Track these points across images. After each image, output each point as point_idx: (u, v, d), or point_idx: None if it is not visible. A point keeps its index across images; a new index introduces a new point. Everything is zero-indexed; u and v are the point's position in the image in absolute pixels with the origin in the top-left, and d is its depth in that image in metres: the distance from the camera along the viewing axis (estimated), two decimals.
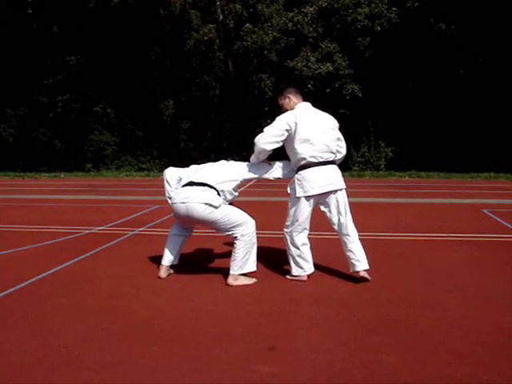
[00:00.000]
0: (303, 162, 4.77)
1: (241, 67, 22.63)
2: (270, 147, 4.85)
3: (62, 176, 20.49)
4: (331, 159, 4.86)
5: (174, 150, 22.90)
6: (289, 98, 5.02)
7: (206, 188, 4.71)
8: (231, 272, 4.73)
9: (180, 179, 5.08)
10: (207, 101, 23.08)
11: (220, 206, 4.64)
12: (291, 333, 3.57)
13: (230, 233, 4.74)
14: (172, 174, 5.20)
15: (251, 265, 4.78)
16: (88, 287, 4.72)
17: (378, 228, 7.66)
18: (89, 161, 23.95)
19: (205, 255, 5.98)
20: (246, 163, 5.08)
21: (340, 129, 5.08)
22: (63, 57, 24.10)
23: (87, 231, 7.58)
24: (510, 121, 18.40)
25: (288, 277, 4.96)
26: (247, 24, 21.34)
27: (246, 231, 4.70)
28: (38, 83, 24.28)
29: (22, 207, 10.84)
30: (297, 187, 4.78)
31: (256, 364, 3.07)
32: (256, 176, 5.07)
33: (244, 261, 4.71)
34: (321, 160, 4.77)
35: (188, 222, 4.95)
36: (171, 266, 5.10)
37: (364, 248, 4.84)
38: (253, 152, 5.02)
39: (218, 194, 4.75)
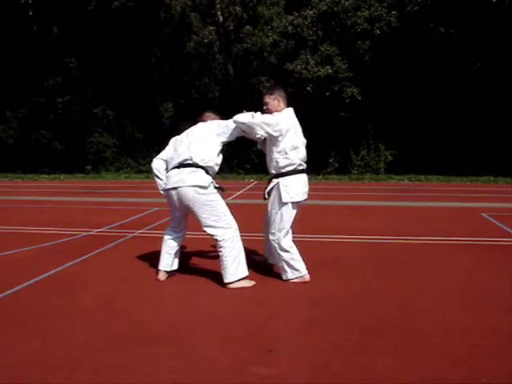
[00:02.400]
0: (291, 168, 4.80)
1: (240, 70, 22.65)
2: (260, 134, 4.76)
3: (62, 178, 20.50)
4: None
5: None
6: (278, 100, 4.96)
7: (194, 169, 4.68)
8: (225, 281, 4.70)
9: (166, 165, 5.03)
10: (207, 103, 23.09)
11: (210, 185, 4.65)
12: (289, 335, 3.58)
13: (212, 231, 4.69)
14: (158, 164, 5.11)
15: (244, 269, 4.75)
16: (86, 289, 4.73)
17: (376, 231, 7.66)
18: (88, 163, 23.96)
19: (203, 257, 5.98)
20: (226, 123, 4.88)
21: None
22: (63, 59, 24.13)
23: (86, 233, 7.58)
24: (509, 125, 18.42)
25: (291, 280, 4.94)
26: (247, 26, 21.38)
27: (227, 235, 4.67)
28: (37, 85, 24.30)
29: (20, 209, 10.85)
30: (283, 193, 4.76)
31: (254, 366, 3.07)
32: (236, 135, 4.93)
33: (235, 266, 4.68)
34: (303, 167, 4.88)
35: (180, 208, 4.84)
36: (171, 272, 5.09)
37: None
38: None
39: (207, 171, 4.73)
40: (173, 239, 5.08)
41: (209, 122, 5.04)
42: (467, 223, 8.55)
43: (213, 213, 4.67)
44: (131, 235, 7.47)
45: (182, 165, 4.74)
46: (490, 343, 3.40)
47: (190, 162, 4.71)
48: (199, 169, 4.69)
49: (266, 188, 4.94)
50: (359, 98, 19.64)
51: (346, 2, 19.67)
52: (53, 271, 5.33)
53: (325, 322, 3.83)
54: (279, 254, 4.88)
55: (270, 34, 20.87)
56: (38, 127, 24.83)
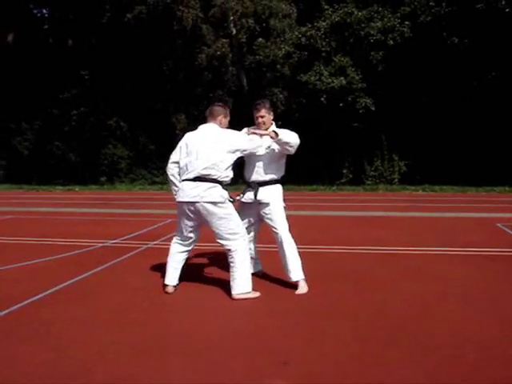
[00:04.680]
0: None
1: (254, 81, 22.71)
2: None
3: (77, 189, 20.62)
4: None
5: None
6: (272, 115, 5.12)
7: (211, 184, 4.66)
8: (233, 292, 4.70)
9: (179, 169, 4.95)
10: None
11: (225, 201, 4.68)
12: (304, 346, 3.55)
13: (226, 243, 4.73)
14: (174, 171, 4.99)
15: (250, 284, 4.76)
16: (101, 300, 4.74)
17: (391, 242, 7.62)
18: (103, 174, 24.11)
19: (217, 268, 5.96)
20: (244, 146, 4.86)
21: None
22: (77, 71, 24.38)
23: (101, 244, 7.61)
24: None
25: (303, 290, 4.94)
26: (260, 38, 21.46)
27: (240, 247, 4.71)
28: (52, 97, 24.54)
29: (36, 220, 10.92)
30: (280, 196, 5.13)
31: (269, 378, 3.06)
32: (249, 155, 5.04)
33: (245, 278, 4.71)
34: None
35: (192, 220, 4.81)
36: (176, 285, 5.05)
37: None
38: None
39: (223, 185, 4.73)
40: (180, 253, 5.02)
41: (224, 134, 4.88)
42: (482, 234, 8.47)
43: (227, 225, 4.69)
44: (146, 246, 7.48)
45: (197, 178, 4.70)
46: (508, 355, 3.36)
47: (207, 177, 4.68)
48: (216, 184, 4.68)
49: (256, 193, 5.01)
50: (373, 109, 19.61)
51: (359, 13, 19.69)
52: (68, 282, 5.35)
53: (340, 333, 3.81)
54: (295, 250, 4.97)
55: (282, 46, 20.96)
56: (53, 139, 25.07)
